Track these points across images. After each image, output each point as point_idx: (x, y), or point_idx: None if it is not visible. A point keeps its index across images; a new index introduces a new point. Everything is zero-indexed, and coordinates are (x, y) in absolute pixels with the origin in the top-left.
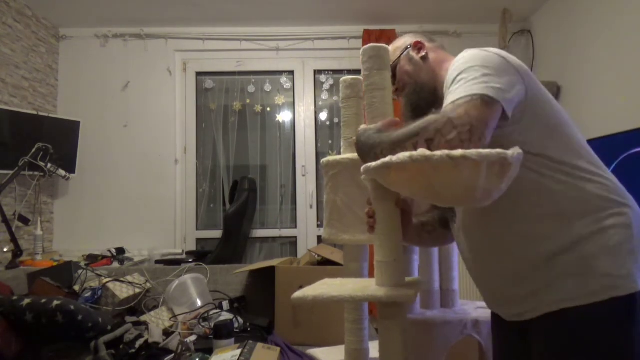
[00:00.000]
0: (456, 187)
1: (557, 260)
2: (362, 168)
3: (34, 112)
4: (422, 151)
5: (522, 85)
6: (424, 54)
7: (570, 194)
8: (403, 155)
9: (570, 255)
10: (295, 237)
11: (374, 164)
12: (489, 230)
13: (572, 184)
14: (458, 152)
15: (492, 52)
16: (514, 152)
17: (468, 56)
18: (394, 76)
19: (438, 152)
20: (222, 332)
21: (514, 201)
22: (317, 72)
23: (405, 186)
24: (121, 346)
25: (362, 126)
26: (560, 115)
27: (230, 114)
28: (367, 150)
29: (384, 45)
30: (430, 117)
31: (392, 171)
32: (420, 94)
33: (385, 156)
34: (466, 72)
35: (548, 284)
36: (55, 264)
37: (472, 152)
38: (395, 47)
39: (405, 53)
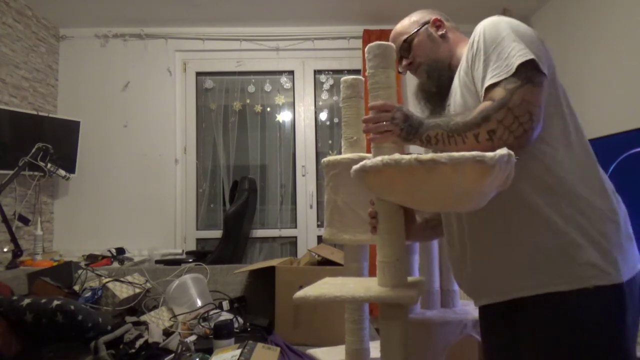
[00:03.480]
0: (432, 191)
1: (544, 245)
2: (351, 170)
3: (34, 112)
4: (394, 155)
5: (549, 62)
6: (443, 32)
7: (561, 182)
8: (376, 160)
9: (557, 242)
10: (295, 237)
11: (354, 167)
12: (478, 213)
13: (566, 171)
14: (427, 156)
15: (519, 22)
16: (497, 154)
17: (495, 22)
18: (408, 49)
19: (406, 157)
20: (222, 332)
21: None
22: (317, 72)
23: (384, 190)
24: (121, 346)
25: (400, 105)
26: (567, 101)
27: (230, 114)
28: (415, 128)
29: (389, 43)
30: (487, 106)
31: (369, 175)
32: (439, 73)
33: (438, 141)
34: (503, 42)
35: (533, 266)
36: (55, 264)
37: (442, 155)
38: (411, 21)
39: (423, 28)
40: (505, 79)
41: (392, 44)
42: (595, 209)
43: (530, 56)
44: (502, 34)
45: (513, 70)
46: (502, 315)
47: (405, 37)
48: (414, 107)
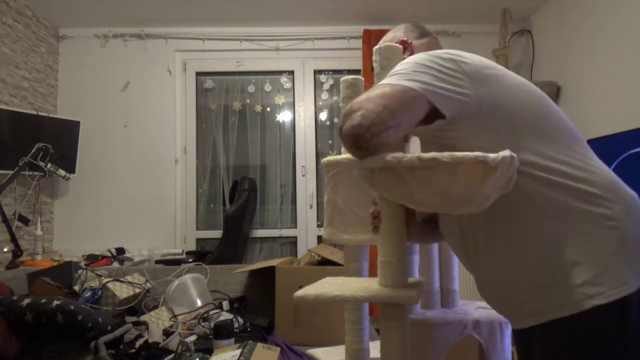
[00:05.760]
0: (432, 191)
1: (537, 269)
2: (354, 169)
3: (34, 112)
4: (397, 154)
5: (470, 91)
6: (406, 56)
7: (544, 198)
8: (379, 158)
9: (550, 264)
10: (295, 237)
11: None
12: (466, 234)
13: (547, 186)
14: (429, 154)
15: (440, 54)
16: (499, 155)
17: (412, 57)
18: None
19: (408, 155)
20: (222, 332)
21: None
22: (317, 72)
23: (386, 189)
24: (121, 346)
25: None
26: (534, 113)
27: (230, 114)
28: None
29: (399, 46)
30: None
31: (372, 173)
32: None
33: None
34: (399, 67)
35: (532, 294)
36: (55, 264)
37: (444, 154)
38: (389, 37)
39: None
40: (377, 85)
41: (400, 46)
42: (589, 220)
43: (409, 83)
44: (407, 62)
45: (387, 82)
46: (522, 333)
47: None
48: None
